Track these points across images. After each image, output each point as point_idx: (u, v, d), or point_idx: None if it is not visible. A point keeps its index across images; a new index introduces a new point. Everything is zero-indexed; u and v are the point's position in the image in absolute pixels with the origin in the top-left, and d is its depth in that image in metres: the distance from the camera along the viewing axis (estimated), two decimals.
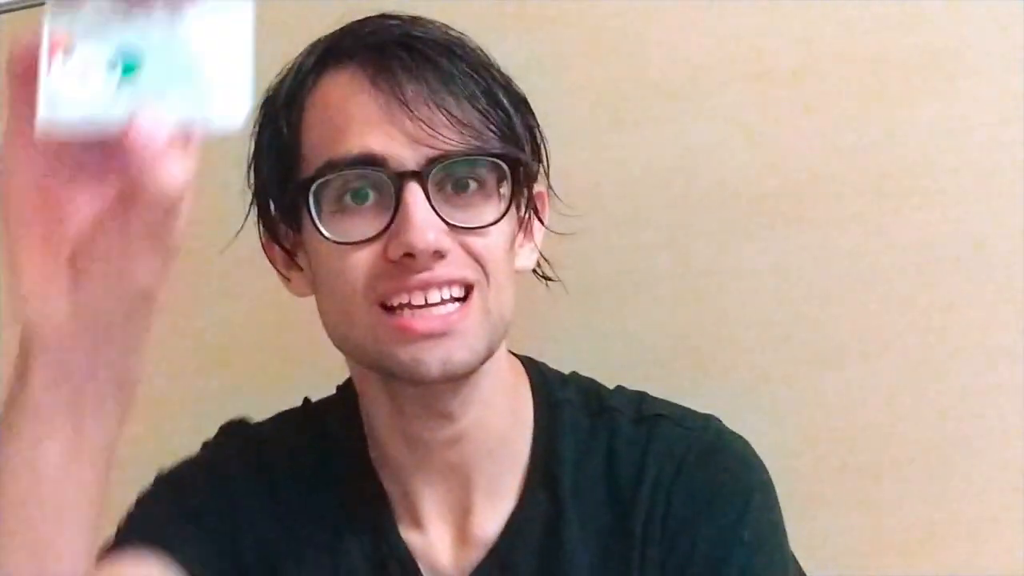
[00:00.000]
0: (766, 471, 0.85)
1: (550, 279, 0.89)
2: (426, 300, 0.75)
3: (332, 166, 0.76)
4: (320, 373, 1.12)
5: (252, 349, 1.14)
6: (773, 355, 1.03)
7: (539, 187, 0.85)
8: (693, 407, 0.89)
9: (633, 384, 0.91)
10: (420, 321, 0.74)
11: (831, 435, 1.02)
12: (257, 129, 0.82)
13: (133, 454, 1.19)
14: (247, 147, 0.83)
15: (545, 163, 0.85)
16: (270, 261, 0.85)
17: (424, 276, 0.74)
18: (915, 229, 1.00)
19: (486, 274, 0.76)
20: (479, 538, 0.83)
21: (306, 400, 0.93)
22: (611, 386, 0.91)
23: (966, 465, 1.00)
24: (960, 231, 0.99)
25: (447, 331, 0.75)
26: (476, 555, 0.83)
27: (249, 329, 1.14)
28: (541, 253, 0.87)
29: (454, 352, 0.75)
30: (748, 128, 1.03)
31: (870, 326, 1.01)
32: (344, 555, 0.84)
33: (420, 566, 0.83)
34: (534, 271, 0.87)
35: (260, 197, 0.84)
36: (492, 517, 0.84)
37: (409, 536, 0.84)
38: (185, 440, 1.14)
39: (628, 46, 1.05)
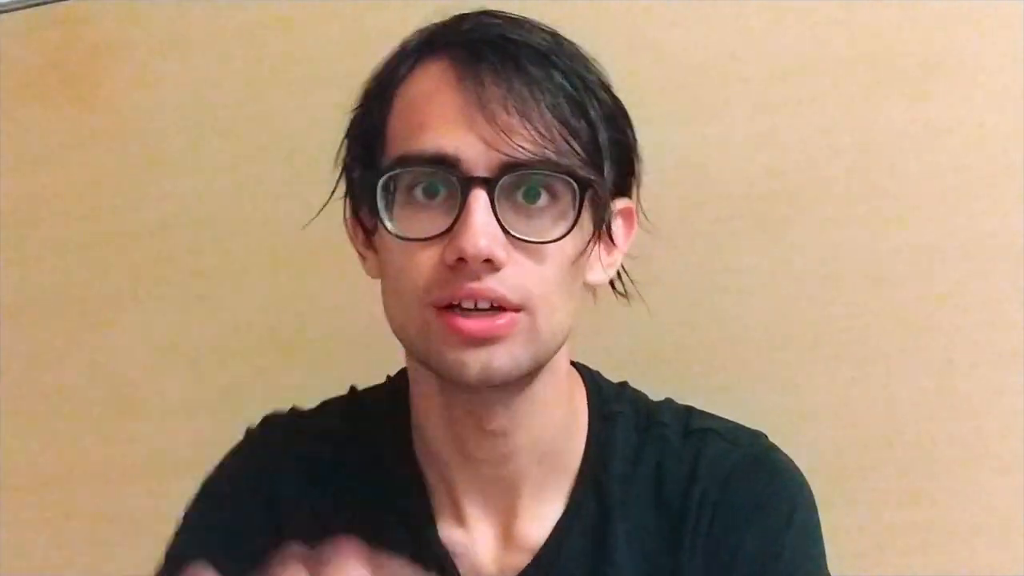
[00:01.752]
0: (811, 492, 0.85)
1: (624, 295, 0.88)
2: (475, 305, 0.75)
3: (405, 161, 0.76)
4: (323, 374, 1.12)
5: (255, 350, 1.14)
6: (773, 355, 1.03)
7: (628, 202, 0.84)
8: (707, 411, 0.89)
9: (632, 383, 0.91)
10: (467, 322, 0.74)
11: (831, 435, 1.02)
12: (355, 110, 0.83)
13: (136, 452, 1.20)
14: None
15: (637, 178, 0.84)
16: (350, 238, 0.85)
17: (474, 286, 0.74)
18: (915, 229, 1.00)
19: (535, 300, 0.76)
20: (523, 541, 0.84)
21: (352, 389, 0.93)
22: None
23: (966, 465, 1.00)
24: (960, 231, 0.99)
25: (491, 336, 0.75)
26: (520, 559, 0.83)
27: (254, 329, 1.14)
28: (623, 267, 0.86)
29: (495, 358, 0.75)
30: (748, 128, 1.03)
31: (870, 326, 1.01)
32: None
33: (459, 565, 0.83)
34: (611, 285, 0.86)
35: (347, 174, 0.84)
36: (538, 521, 0.84)
37: (451, 533, 0.84)
38: (188, 440, 1.14)
39: (628, 46, 1.05)
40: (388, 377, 0.92)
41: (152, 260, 1.15)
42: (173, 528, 0.89)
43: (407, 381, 0.87)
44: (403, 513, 0.85)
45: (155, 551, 0.90)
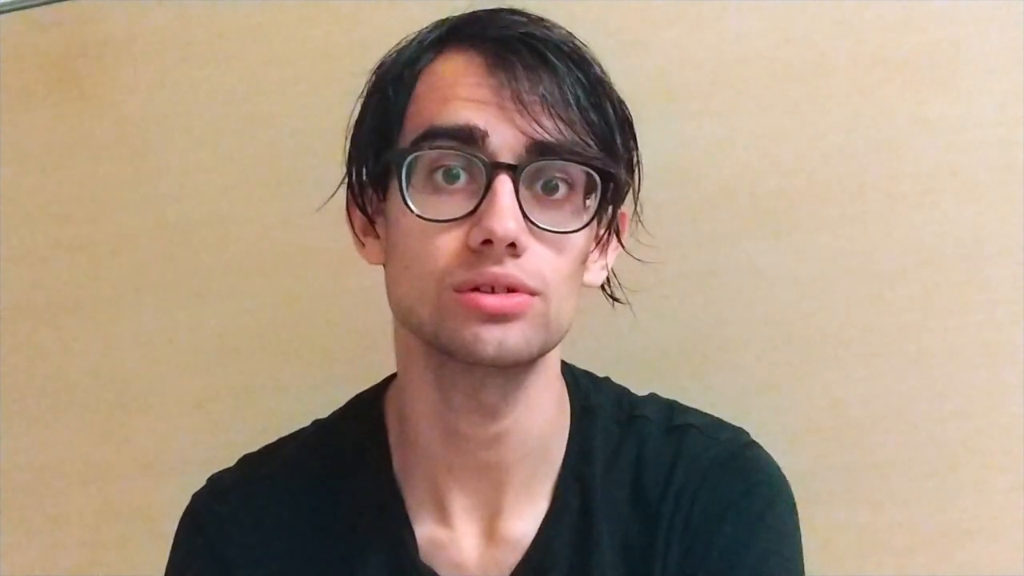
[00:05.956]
0: (789, 489, 0.86)
1: (616, 299, 0.90)
2: (493, 289, 0.75)
3: (433, 133, 0.77)
4: (323, 373, 1.12)
5: (255, 350, 1.14)
6: (773, 355, 1.03)
7: (622, 208, 0.86)
8: (692, 407, 0.89)
9: (631, 383, 0.92)
10: (486, 299, 0.75)
11: (831, 435, 1.02)
12: (365, 96, 0.83)
13: (136, 452, 1.20)
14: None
15: (636, 187, 0.86)
16: (349, 224, 0.86)
17: (495, 271, 0.75)
18: (915, 229, 1.00)
19: (550, 287, 0.77)
20: (509, 539, 0.84)
21: (314, 422, 0.93)
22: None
23: (966, 465, 1.00)
24: (960, 231, 0.99)
25: (508, 313, 0.75)
26: (508, 557, 0.84)
27: (254, 329, 1.14)
28: (613, 271, 0.87)
29: (510, 336, 0.76)
30: (748, 128, 1.03)
31: (870, 326, 1.01)
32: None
33: (437, 566, 0.83)
34: (602, 288, 0.88)
35: (354, 161, 0.84)
36: (523, 519, 0.84)
37: (434, 533, 0.84)
38: (188, 439, 1.14)
39: (628, 46, 1.05)
40: (355, 397, 0.92)
41: (152, 260, 1.15)
42: (173, 529, 0.90)
43: (375, 395, 0.89)
44: (377, 518, 0.85)
45: (155, 551, 0.90)
